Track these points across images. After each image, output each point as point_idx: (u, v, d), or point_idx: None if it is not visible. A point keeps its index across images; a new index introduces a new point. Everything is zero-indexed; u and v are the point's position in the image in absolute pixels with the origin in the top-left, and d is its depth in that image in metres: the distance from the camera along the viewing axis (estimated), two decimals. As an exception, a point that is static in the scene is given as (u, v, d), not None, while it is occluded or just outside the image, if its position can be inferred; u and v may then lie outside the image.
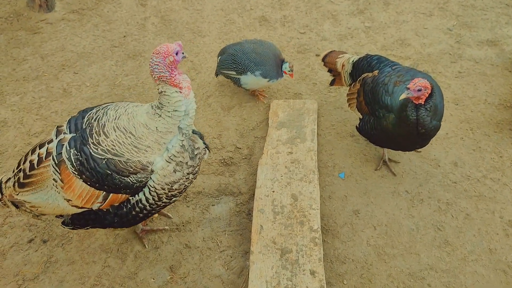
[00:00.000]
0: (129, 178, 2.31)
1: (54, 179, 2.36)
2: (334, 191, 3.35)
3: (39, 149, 2.43)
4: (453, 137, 3.72)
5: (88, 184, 2.32)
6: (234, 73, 3.87)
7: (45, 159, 2.37)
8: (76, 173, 2.30)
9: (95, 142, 2.30)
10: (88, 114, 2.43)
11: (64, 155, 2.31)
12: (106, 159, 2.28)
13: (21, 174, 2.43)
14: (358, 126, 3.34)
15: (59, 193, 2.37)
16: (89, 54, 4.62)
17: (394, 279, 2.84)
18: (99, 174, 2.28)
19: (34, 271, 2.89)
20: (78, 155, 2.29)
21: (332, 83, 3.84)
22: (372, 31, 4.88)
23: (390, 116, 2.98)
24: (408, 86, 2.73)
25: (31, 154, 2.46)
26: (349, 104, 3.45)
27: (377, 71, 3.18)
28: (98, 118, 2.38)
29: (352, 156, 3.60)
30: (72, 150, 2.30)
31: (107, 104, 2.49)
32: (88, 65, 4.49)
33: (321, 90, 4.18)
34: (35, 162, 2.38)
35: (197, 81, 4.31)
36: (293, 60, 4.53)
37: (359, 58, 3.46)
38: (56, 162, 2.33)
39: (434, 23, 4.96)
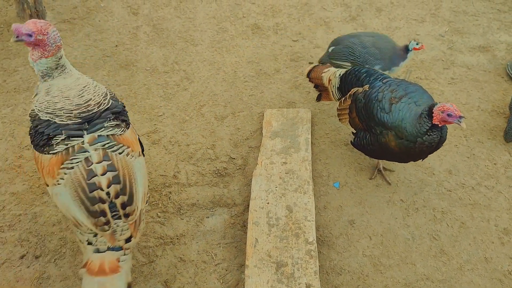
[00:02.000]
0: None
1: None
2: (329, 201, 3.34)
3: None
4: (447, 144, 3.72)
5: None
6: (349, 64, 3.82)
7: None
8: None
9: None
10: None
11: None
12: None
13: (123, 198, 2.30)
14: (353, 141, 3.28)
15: None
16: (81, 64, 4.58)
17: (390, 290, 2.83)
18: None
19: (26, 288, 2.85)
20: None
21: (318, 98, 3.79)
22: (365, 38, 4.88)
23: (390, 134, 2.91)
24: (460, 114, 2.66)
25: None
26: (340, 119, 3.39)
27: (367, 85, 3.14)
28: None
29: (347, 165, 3.59)
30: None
31: None
32: (80, 75, 4.45)
33: (314, 98, 4.15)
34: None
35: (190, 90, 4.29)
36: (286, 68, 4.53)
37: (346, 71, 3.40)
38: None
39: (426, 29, 4.97)
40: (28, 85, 4.32)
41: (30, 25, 2.40)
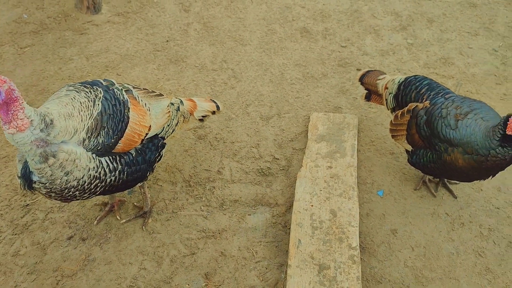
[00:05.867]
0: None
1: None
2: (372, 209, 3.31)
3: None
4: (497, 161, 3.63)
5: None
6: None
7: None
8: None
9: None
10: None
11: None
12: None
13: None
14: (410, 159, 3.19)
15: None
16: (132, 56, 4.71)
17: (432, 304, 2.79)
18: None
19: (73, 268, 2.94)
20: None
21: (368, 98, 3.70)
22: (415, 48, 4.83)
23: (456, 151, 2.81)
24: None
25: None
26: (394, 135, 3.26)
27: (428, 102, 3.02)
28: None
29: (391, 174, 3.55)
30: None
31: None
32: (131, 67, 4.58)
33: (361, 105, 4.14)
34: None
35: (237, 89, 4.34)
36: (333, 73, 4.52)
37: (406, 79, 3.29)
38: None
39: (479, 43, 4.87)
40: (82, 74, 4.46)
41: None
